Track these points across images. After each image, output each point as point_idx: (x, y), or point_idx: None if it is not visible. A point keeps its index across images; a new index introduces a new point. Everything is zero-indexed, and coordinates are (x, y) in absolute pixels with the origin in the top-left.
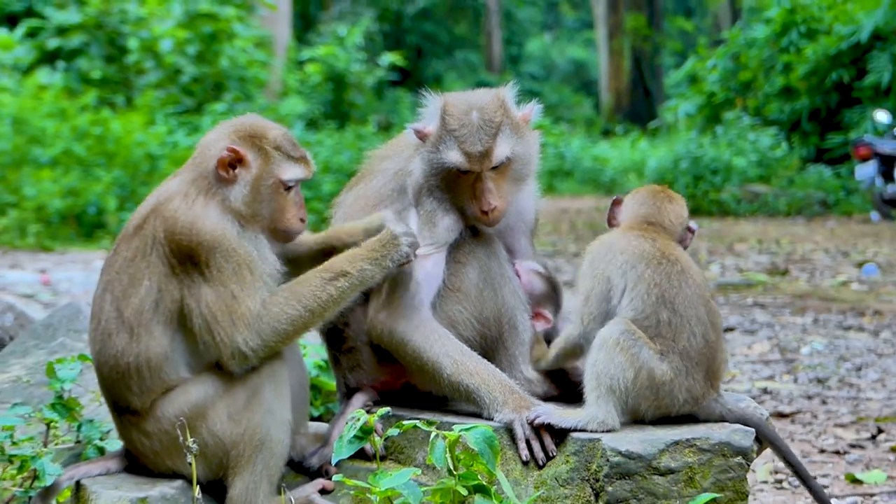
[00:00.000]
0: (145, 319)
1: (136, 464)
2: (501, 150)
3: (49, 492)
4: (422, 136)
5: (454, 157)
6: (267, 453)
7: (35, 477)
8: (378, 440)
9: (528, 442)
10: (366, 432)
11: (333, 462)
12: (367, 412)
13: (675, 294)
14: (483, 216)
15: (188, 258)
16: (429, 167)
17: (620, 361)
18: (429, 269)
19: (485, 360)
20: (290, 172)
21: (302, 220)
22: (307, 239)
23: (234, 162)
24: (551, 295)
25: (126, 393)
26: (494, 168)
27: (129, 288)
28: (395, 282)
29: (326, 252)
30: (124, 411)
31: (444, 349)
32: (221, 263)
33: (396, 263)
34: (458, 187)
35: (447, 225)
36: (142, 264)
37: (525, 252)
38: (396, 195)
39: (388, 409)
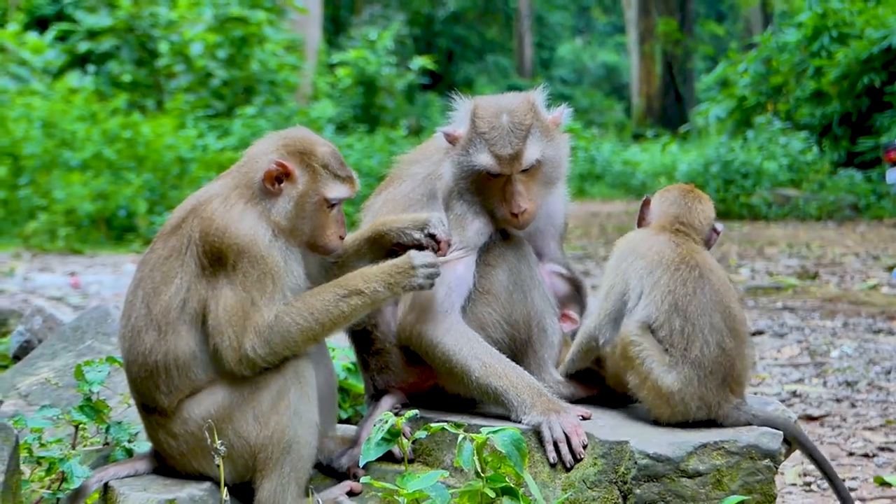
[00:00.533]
0: (172, 318)
1: (164, 465)
2: (531, 153)
3: (77, 494)
4: (452, 139)
5: (484, 159)
6: (294, 455)
7: (63, 479)
8: (406, 442)
9: (555, 444)
10: (394, 434)
11: (361, 464)
12: (396, 414)
13: (688, 301)
14: (513, 219)
15: (217, 260)
16: (459, 170)
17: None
18: (459, 272)
19: (513, 363)
20: (336, 191)
21: (340, 238)
22: (348, 237)
23: (280, 176)
24: (575, 296)
25: (154, 392)
26: (524, 171)
27: (160, 285)
28: None
29: (373, 240)
30: (152, 411)
31: (472, 352)
32: (248, 268)
33: (407, 291)
34: (488, 190)
35: (477, 228)
36: (175, 263)
37: (554, 255)
38: (426, 200)
39: (416, 411)
